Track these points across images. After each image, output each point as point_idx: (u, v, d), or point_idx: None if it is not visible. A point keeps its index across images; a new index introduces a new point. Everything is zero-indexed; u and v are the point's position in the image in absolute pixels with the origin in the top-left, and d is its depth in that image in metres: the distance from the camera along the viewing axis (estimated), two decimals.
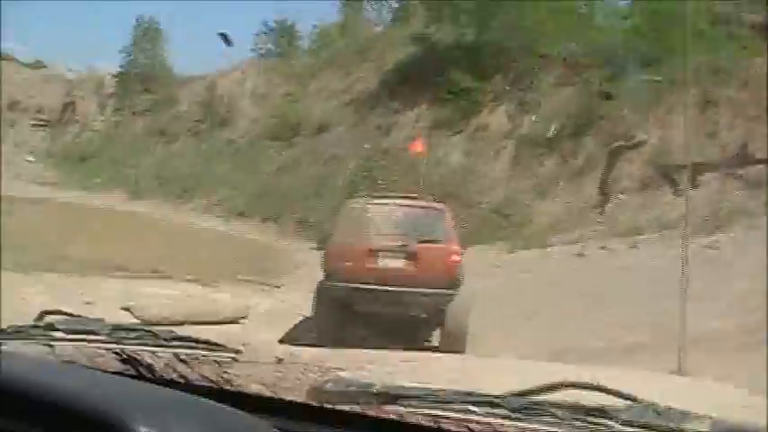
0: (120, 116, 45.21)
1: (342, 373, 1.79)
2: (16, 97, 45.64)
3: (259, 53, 47.41)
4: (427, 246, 11.31)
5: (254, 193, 32.09)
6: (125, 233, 25.81)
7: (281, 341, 11.43)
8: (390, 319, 11.48)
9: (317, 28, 46.87)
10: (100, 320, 2.12)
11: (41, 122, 45.28)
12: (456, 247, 11.52)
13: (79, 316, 2.21)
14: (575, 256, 19.12)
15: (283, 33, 49.54)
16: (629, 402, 1.54)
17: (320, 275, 11.97)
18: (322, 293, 11.58)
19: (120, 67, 47.10)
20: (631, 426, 1.47)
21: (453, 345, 10.94)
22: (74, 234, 24.18)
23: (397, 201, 12.33)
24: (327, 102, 36.50)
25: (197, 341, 1.98)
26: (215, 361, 1.78)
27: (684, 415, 1.48)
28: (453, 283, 11.25)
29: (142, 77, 45.65)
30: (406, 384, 1.69)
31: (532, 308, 14.36)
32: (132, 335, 2.00)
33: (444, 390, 1.63)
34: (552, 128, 26.33)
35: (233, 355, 1.87)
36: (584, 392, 1.59)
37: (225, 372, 1.71)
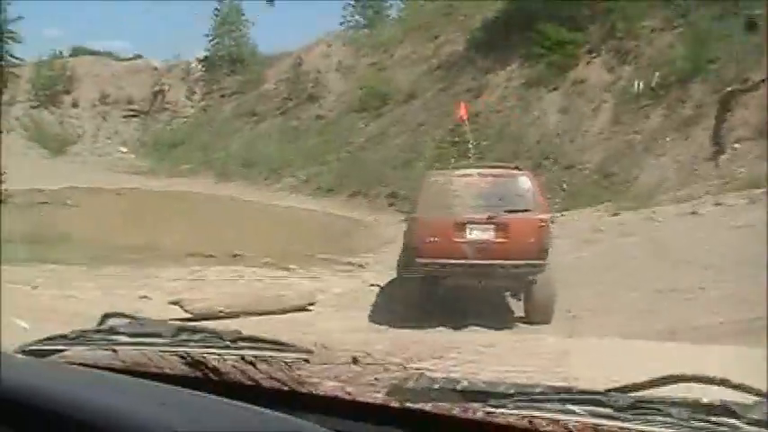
0: (208, 101, 44.80)
1: (425, 371, 1.69)
2: (106, 90, 45.75)
3: (347, 25, 46.48)
4: (515, 216, 10.78)
5: (343, 168, 30.93)
6: (207, 218, 25.16)
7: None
8: (476, 293, 11.42)
9: None
10: (163, 322, 2.14)
11: (132, 113, 45.22)
12: (544, 216, 10.98)
13: (143, 318, 2.16)
14: (686, 216, 17.04)
15: (370, 4, 48.68)
16: (758, 398, 1.41)
17: None
18: (406, 270, 11.41)
19: (206, 51, 46.67)
20: (762, 426, 1.31)
21: (541, 316, 10.83)
22: (152, 222, 23.62)
23: (481, 170, 11.94)
24: (415, 68, 35.06)
25: (265, 341, 1.94)
26: (285, 362, 1.73)
27: None
28: (543, 252, 10.72)
29: (228, 60, 45.14)
30: (495, 380, 1.58)
31: (637, 278, 12.54)
32: (197, 336, 1.95)
33: (538, 386, 1.50)
34: (656, 76, 24.09)
35: (304, 355, 1.83)
36: (703, 387, 1.45)
37: (297, 374, 1.64)
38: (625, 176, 22.07)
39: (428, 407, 1.43)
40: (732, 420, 1.34)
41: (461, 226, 10.76)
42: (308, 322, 10.31)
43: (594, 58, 26.91)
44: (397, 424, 1.44)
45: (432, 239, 10.78)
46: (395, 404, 1.46)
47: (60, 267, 14.42)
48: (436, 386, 1.53)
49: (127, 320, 2.12)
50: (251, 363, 1.68)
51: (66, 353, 1.82)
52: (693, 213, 17.15)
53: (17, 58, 45.57)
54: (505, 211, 10.74)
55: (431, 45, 35.65)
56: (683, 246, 14.06)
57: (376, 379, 1.63)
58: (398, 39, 38.92)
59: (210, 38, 46.53)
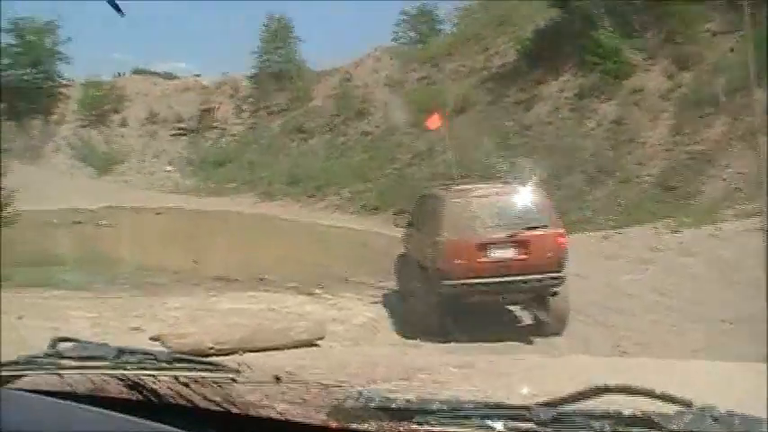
0: (256, 118, 44.04)
1: (363, 389, 1.67)
2: (155, 109, 45.31)
3: (399, 41, 45.60)
4: (534, 232, 11.08)
5: (388, 186, 29.71)
6: (241, 239, 24.19)
7: None
8: (492, 309, 11.73)
9: (458, 10, 44.44)
10: (105, 345, 2.12)
11: (180, 132, 44.65)
12: (561, 230, 11.45)
13: (87, 342, 2.18)
14: (753, 232, 15.33)
15: (423, 18, 47.76)
16: (680, 408, 1.45)
17: None
18: (426, 291, 11.41)
19: (254, 68, 45.91)
20: None
21: (558, 327, 11.15)
22: (184, 243, 22.70)
23: (496, 188, 12.30)
24: (465, 81, 33.76)
25: (196, 362, 1.98)
26: (215, 382, 1.79)
27: (749, 420, 1.38)
28: (561, 265, 11.11)
29: (276, 77, 44.31)
30: (429, 397, 1.63)
31: (699, 305, 11.02)
32: (134, 359, 2.00)
33: (468, 402, 1.56)
34: (719, 83, 22.37)
35: (232, 375, 1.87)
36: (626, 398, 1.47)
37: (227, 393, 1.71)
38: (686, 190, 20.42)
39: (360, 426, 1.49)
40: None
41: (484, 246, 10.95)
42: (313, 357, 9.00)
43: (652, 65, 25.29)
44: None
45: (457, 261, 10.92)
46: (333, 425, 1.52)
47: (62, 293, 13.40)
48: (373, 404, 1.55)
49: (72, 344, 2.15)
50: (185, 384, 1.75)
51: (16, 379, 1.88)
52: (762, 230, 15.47)
53: (66, 79, 45.65)
54: (525, 228, 11.03)
55: (481, 57, 34.39)
56: (752, 266, 12.42)
57: (302, 399, 1.65)
58: (448, 51, 37.73)
59: (259, 55, 45.76)
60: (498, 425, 1.44)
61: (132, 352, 2.07)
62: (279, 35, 45.44)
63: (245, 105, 45.40)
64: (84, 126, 44.03)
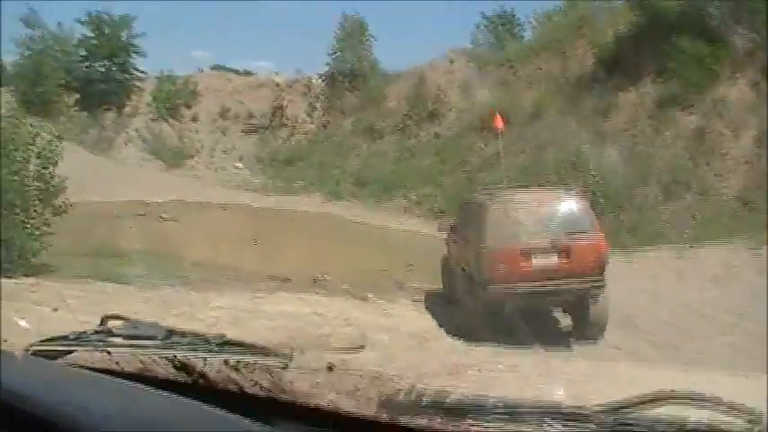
0: (327, 117, 43.60)
1: (420, 385, 1.64)
2: (227, 105, 45.27)
3: (477, 45, 44.85)
4: (576, 238, 11.26)
5: (457, 190, 28.90)
6: (303, 238, 23.74)
7: None
8: (535, 314, 11.71)
9: (537, 14, 43.55)
10: (155, 325, 2.12)
11: (251, 128, 44.47)
12: (601, 234, 11.62)
13: (137, 321, 2.17)
14: None
15: (503, 22, 47.02)
16: (750, 420, 1.34)
17: None
18: (471, 296, 11.62)
19: (328, 66, 45.45)
20: None
21: (597, 331, 11.35)
22: (245, 240, 22.37)
23: (539, 194, 12.49)
24: (540, 86, 32.84)
25: (247, 346, 1.95)
26: (265, 368, 1.78)
27: None
28: (603, 270, 11.29)
29: (350, 76, 43.77)
30: (482, 395, 1.56)
31: None
32: (184, 340, 1.99)
33: (524, 402, 1.51)
34: None
35: (283, 361, 1.84)
36: (692, 406, 1.38)
37: (277, 380, 1.70)
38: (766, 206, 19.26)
39: (410, 422, 1.46)
40: None
41: (527, 252, 11.15)
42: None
43: (737, 74, 24.07)
44: None
45: (501, 268, 11.11)
46: (378, 418, 1.49)
47: (109, 286, 13.06)
48: (425, 401, 1.52)
49: (122, 322, 2.15)
50: (234, 367, 1.75)
51: (66, 354, 1.90)
52: None
53: (141, 72, 45.97)
54: (567, 234, 11.25)
55: (558, 62, 33.37)
56: None
57: (357, 390, 1.61)
58: (525, 56, 36.81)
59: (333, 54, 45.38)
60: (557, 427, 1.40)
61: (183, 333, 2.08)
62: (353, 34, 44.93)
63: (318, 104, 45.03)
64: (155, 119, 44.18)
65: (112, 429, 1.29)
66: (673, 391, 1.43)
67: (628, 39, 28.53)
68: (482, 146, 32.05)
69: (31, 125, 16.03)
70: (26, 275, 14.15)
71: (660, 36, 25.30)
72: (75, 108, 43.14)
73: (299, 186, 37.19)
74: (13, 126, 15.53)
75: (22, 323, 7.78)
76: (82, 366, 1.85)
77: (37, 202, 15.46)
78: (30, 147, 15.30)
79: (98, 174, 32.12)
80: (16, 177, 14.89)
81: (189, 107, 45.10)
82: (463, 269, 12.33)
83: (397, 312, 12.57)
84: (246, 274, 16.40)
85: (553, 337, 11.27)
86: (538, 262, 11.11)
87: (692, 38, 24.30)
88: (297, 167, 39.88)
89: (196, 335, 2.05)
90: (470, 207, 13.13)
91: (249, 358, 1.85)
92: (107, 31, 44.35)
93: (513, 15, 47.15)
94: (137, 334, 2.04)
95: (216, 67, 51.88)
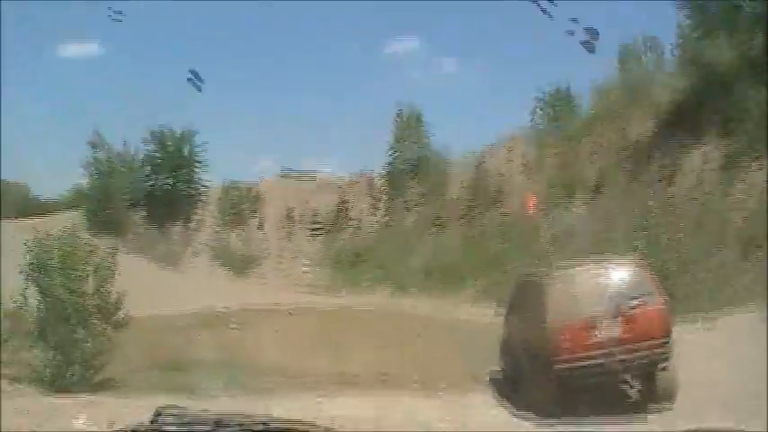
0: (391, 214, 43.51)
1: None
2: (291, 208, 45.55)
3: (535, 124, 44.49)
4: (639, 307, 11.13)
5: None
6: (370, 337, 23.12)
7: None
8: (605, 386, 11.34)
9: (593, 88, 43.05)
10: (203, 415, 2.21)
11: (316, 230, 44.62)
12: (664, 302, 11.54)
13: (187, 412, 2.26)
14: None
15: (559, 99, 46.59)
16: None
17: None
18: (537, 375, 11.54)
19: (388, 162, 45.56)
20: None
21: (668, 402, 11.06)
22: (310, 344, 21.86)
23: (597, 266, 12.09)
24: (602, 158, 32.25)
25: (288, 430, 2.08)
26: None
27: None
28: (668, 337, 11.27)
29: (410, 169, 43.83)
30: None
31: None
32: (230, 429, 2.09)
33: None
34: None
35: None
36: None
37: None
38: None
39: None
40: None
41: (591, 325, 11.01)
42: None
43: None
44: None
45: (565, 343, 10.98)
46: None
47: (170, 398, 12.65)
48: None
49: (174, 413, 2.22)
50: None
51: None
52: None
53: (205, 184, 46.63)
54: (629, 303, 11.07)
55: (617, 132, 32.78)
56: None
57: None
58: (587, 130, 36.31)
59: (392, 148, 45.51)
60: None
61: (229, 424, 2.13)
62: (410, 127, 45.09)
63: (380, 201, 45.03)
64: (222, 229, 44.61)
65: None
66: (698, 428, 1.49)
67: (686, 100, 27.90)
68: (548, 226, 31.46)
69: (87, 243, 16.00)
70: (88, 393, 13.93)
71: (720, 93, 24.63)
72: (144, 224, 43.83)
73: (363, 286, 36.86)
74: (70, 245, 15.51)
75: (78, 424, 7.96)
76: None
77: (96, 321, 15.29)
78: (86, 263, 15.24)
79: (166, 286, 32.26)
80: (73, 295, 14.79)
81: (254, 213, 45.52)
82: (526, 349, 12.19)
83: (466, 409, 11.92)
84: (308, 376, 15.90)
85: (627, 411, 10.82)
86: (602, 333, 10.99)
87: (754, 88, 23.49)
88: (362, 266, 39.68)
89: (241, 423, 2.10)
90: (528, 285, 13.09)
91: None
92: (170, 146, 45.24)
93: (569, 90, 46.77)
94: (187, 425, 2.11)
95: (283, 173, 51.77)
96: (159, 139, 45.51)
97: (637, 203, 25.75)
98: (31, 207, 44.77)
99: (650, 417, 10.71)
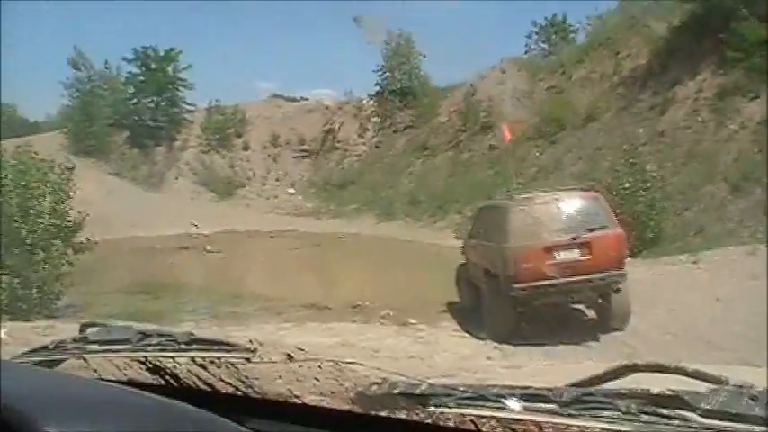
0: (380, 137, 42.77)
1: (384, 375, 1.60)
2: (277, 132, 44.78)
3: (530, 53, 43.83)
4: (596, 234, 11.52)
5: None
6: (351, 263, 22.70)
7: None
8: (557, 310, 12.32)
9: (590, 18, 42.15)
10: (129, 328, 2.12)
11: (303, 154, 43.90)
12: (620, 230, 12.00)
13: (111, 325, 2.20)
14: None
15: (554, 29, 45.77)
16: (713, 386, 1.31)
17: None
18: (497, 297, 11.79)
19: (377, 86, 44.65)
20: (716, 417, 1.24)
21: (621, 322, 11.77)
22: (288, 268, 21.41)
23: (557, 194, 12.51)
24: (594, 89, 31.47)
25: (211, 342, 1.94)
26: (230, 363, 1.74)
27: None
28: (622, 263, 11.77)
29: (400, 94, 42.96)
30: (455, 383, 1.52)
31: None
32: (155, 341, 1.99)
33: (492, 387, 1.45)
34: None
35: (246, 355, 1.81)
36: (656, 378, 1.35)
37: (242, 374, 1.67)
38: None
39: (386, 412, 1.43)
40: (684, 411, 1.26)
41: (550, 250, 11.37)
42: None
43: None
44: (344, 428, 1.46)
45: (525, 265, 11.28)
46: (355, 409, 1.46)
47: (132, 324, 12.13)
48: (396, 391, 1.49)
49: (97, 328, 2.15)
50: (201, 365, 1.72)
51: (46, 362, 1.87)
52: None
53: (189, 105, 45.76)
54: (586, 231, 11.46)
55: (611, 62, 31.92)
56: None
57: (316, 379, 1.56)
58: (578, 59, 35.43)
59: (381, 72, 44.55)
60: (516, 406, 1.36)
61: (153, 334, 2.04)
62: (401, 51, 44.04)
63: (369, 125, 44.23)
64: (206, 151, 43.89)
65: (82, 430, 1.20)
66: (636, 362, 1.40)
67: (683, 30, 27.02)
68: (537, 155, 30.84)
69: (42, 160, 15.26)
70: (47, 318, 13.38)
71: (718, 24, 23.77)
72: (127, 145, 43.09)
73: (352, 209, 36.32)
74: (22, 163, 14.81)
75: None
76: (63, 374, 1.78)
77: (57, 241, 14.64)
78: (41, 183, 14.56)
79: (147, 208, 31.72)
80: (28, 216, 14.14)
81: (239, 136, 44.75)
82: (486, 271, 12.39)
83: (436, 339, 11.43)
84: (280, 303, 15.39)
85: (580, 332, 11.61)
86: (560, 258, 11.34)
87: (752, 22, 22.69)
88: (350, 190, 39.13)
89: (165, 334, 2.00)
90: (490, 212, 13.43)
91: (214, 354, 1.80)
92: (153, 66, 44.24)
93: (565, 21, 45.99)
94: (112, 338, 2.03)
95: (273, 97, 50.90)
96: (142, 58, 44.51)
97: (628, 134, 25.11)
98: (16, 127, 43.86)
99: (603, 337, 11.38)
